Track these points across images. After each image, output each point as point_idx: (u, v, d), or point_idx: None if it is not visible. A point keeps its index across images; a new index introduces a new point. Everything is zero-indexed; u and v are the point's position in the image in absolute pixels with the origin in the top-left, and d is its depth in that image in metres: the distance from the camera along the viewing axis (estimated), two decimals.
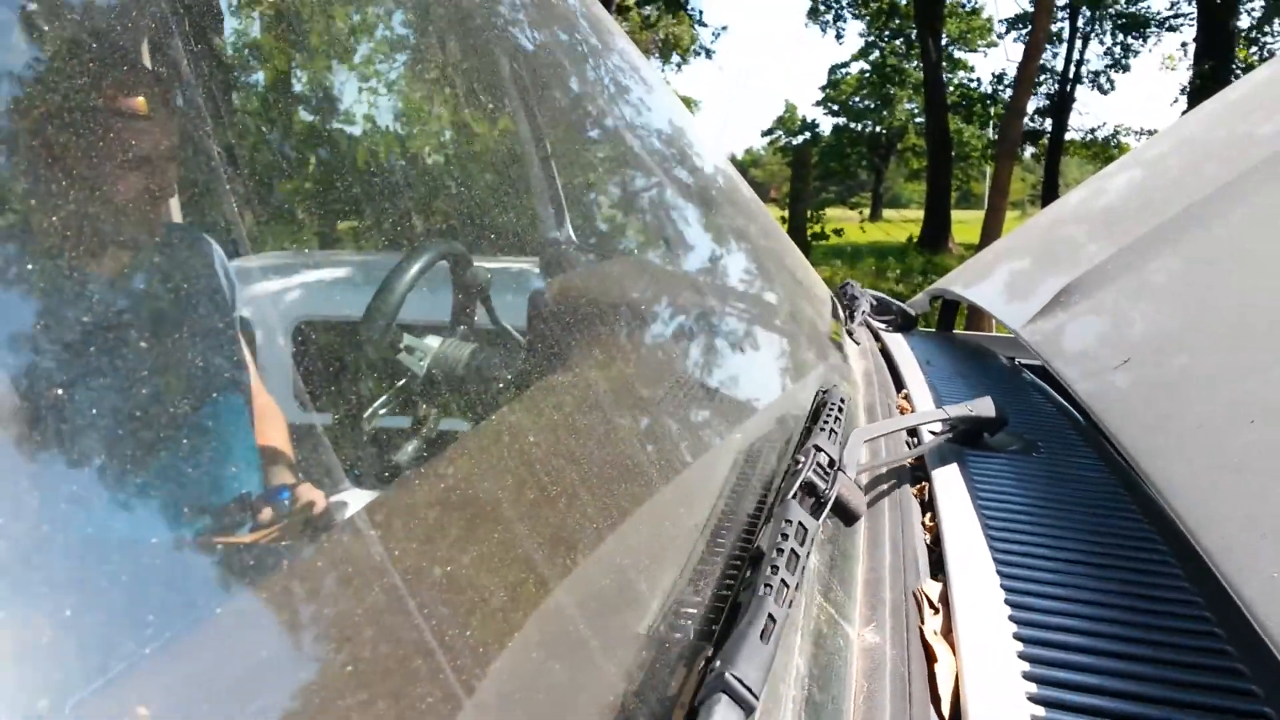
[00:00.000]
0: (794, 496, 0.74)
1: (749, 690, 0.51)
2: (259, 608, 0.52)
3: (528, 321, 1.25)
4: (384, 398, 1.40)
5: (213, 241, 1.01)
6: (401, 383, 1.42)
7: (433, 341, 1.43)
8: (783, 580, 0.61)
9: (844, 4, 29.62)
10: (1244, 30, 21.10)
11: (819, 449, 0.82)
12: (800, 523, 0.68)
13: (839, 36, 31.52)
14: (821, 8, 29.57)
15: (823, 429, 0.89)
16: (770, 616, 0.57)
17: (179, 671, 0.45)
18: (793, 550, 0.65)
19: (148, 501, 0.57)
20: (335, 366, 1.22)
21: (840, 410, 0.98)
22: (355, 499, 0.98)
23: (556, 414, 0.85)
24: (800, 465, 0.79)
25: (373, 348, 1.34)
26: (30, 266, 0.58)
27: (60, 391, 0.53)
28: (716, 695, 0.50)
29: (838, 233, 18.80)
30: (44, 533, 0.47)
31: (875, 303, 2.20)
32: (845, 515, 0.82)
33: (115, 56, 0.69)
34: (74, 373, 0.54)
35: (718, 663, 0.53)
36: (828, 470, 0.80)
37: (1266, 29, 21.55)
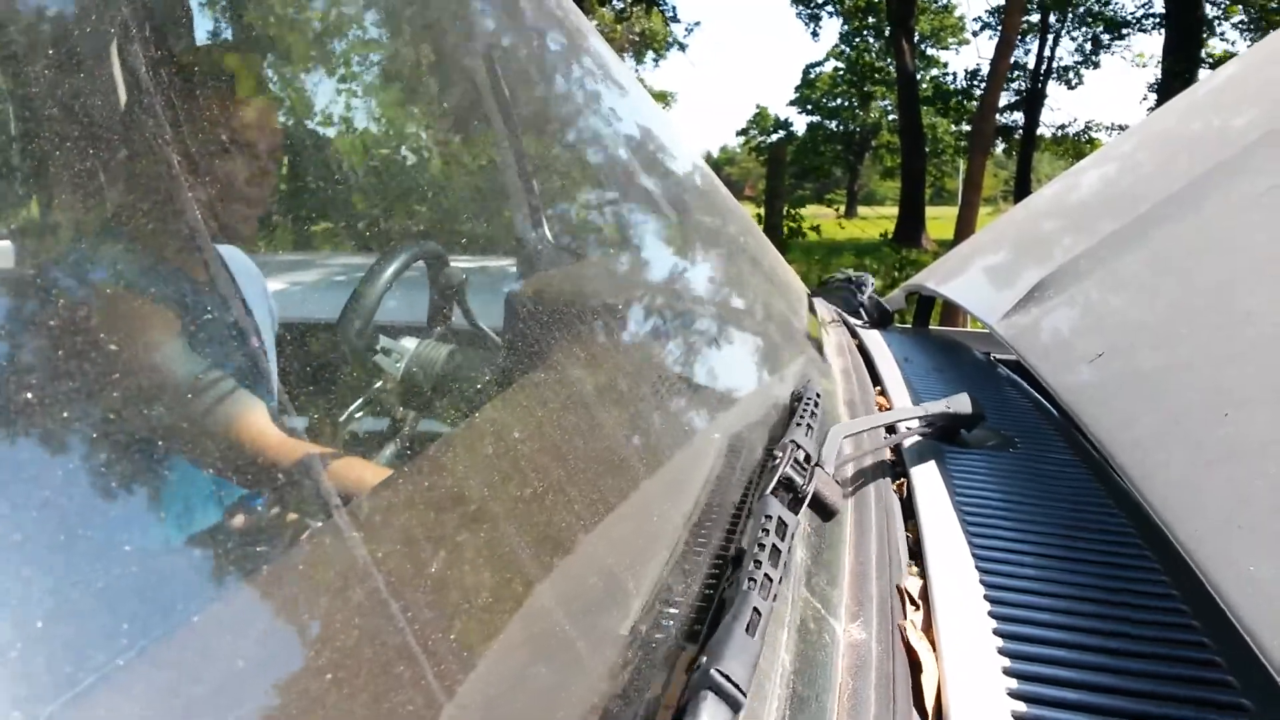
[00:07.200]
0: (772, 492, 0.74)
1: (736, 686, 0.50)
2: (236, 613, 0.51)
3: (504, 322, 1.24)
4: (360, 400, 1.38)
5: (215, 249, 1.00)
6: (378, 385, 1.41)
7: (409, 343, 1.42)
8: (765, 575, 0.61)
9: (821, 1, 29.73)
10: (1211, 18, 21.31)
11: (795, 445, 0.82)
12: (780, 518, 0.68)
13: (815, 35, 31.66)
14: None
15: (799, 424, 0.89)
16: (755, 610, 0.56)
17: (154, 679, 0.44)
18: (774, 545, 0.64)
19: (121, 507, 0.56)
20: (311, 368, 1.21)
21: (816, 406, 0.98)
22: (332, 502, 0.97)
23: (533, 414, 0.84)
24: (777, 461, 0.79)
25: (349, 350, 1.33)
26: (21, 269, 0.57)
27: (30, 396, 0.52)
28: (703, 693, 0.49)
29: (815, 229, 18.82)
30: (14, 539, 0.46)
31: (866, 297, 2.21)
32: (823, 511, 0.82)
33: (83, 61, 0.68)
34: (47, 378, 0.54)
35: (703, 659, 0.52)
36: (805, 466, 0.80)
37: (1236, 25, 21.80)
